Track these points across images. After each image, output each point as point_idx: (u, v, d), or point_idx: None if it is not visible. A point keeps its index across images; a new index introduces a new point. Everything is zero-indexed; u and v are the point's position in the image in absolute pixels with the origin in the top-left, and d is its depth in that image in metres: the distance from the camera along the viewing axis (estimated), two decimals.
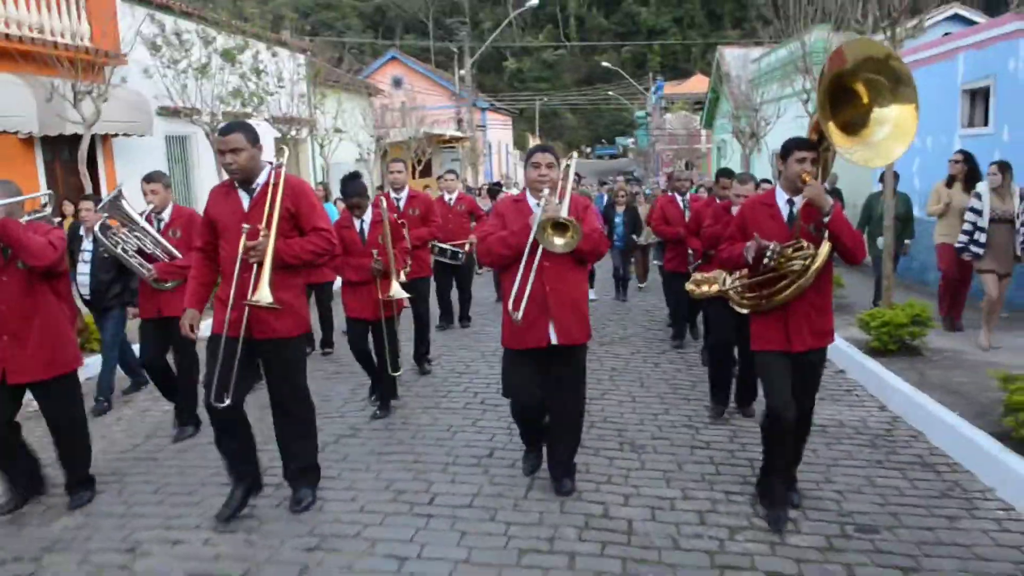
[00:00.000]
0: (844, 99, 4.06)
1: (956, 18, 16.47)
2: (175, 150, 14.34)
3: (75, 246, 6.59)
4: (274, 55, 13.47)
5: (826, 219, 4.02)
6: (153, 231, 5.85)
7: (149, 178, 5.94)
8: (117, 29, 11.84)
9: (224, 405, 4.17)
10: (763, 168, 15.85)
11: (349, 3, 79.26)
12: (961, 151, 8.30)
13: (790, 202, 4.22)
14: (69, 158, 11.58)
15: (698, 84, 48.82)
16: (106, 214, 5.75)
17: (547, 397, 4.57)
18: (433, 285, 8.30)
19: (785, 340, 4.15)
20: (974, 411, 5.36)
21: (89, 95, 9.49)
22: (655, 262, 11.07)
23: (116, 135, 12.16)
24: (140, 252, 5.79)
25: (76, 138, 11.04)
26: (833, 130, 3.98)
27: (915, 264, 10.79)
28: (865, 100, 4.07)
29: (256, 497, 4.54)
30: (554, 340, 4.41)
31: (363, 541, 4.13)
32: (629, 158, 69.29)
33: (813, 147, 4.14)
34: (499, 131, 49.11)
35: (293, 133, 14.63)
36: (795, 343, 4.13)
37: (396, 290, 6.13)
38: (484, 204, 12.60)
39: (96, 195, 8.20)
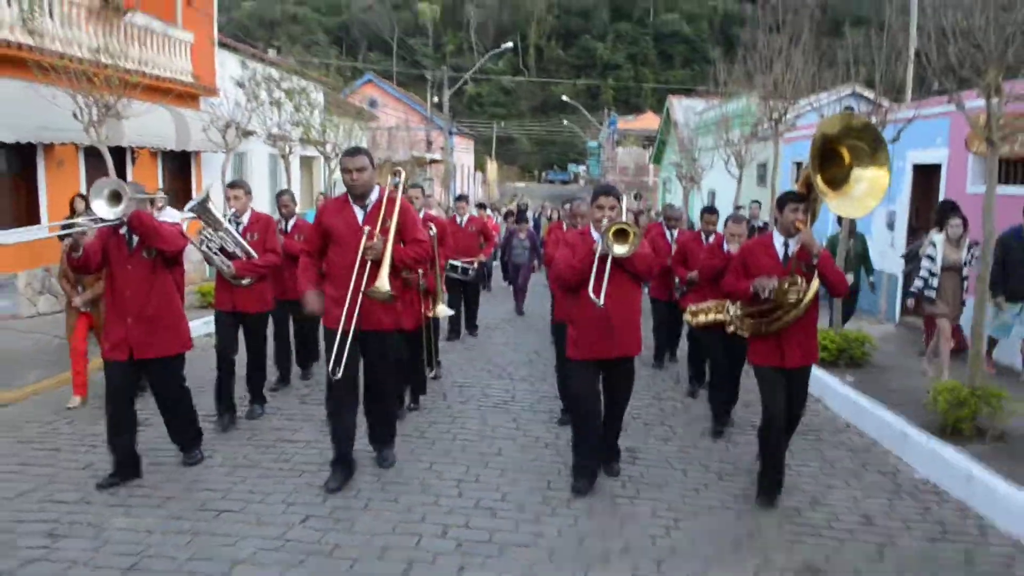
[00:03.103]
0: (830, 159, 4.84)
1: (856, 95, 20.70)
2: (237, 163, 17.78)
3: None
4: (324, 95, 17.07)
5: (815, 260, 4.79)
6: (235, 232, 6.17)
7: (233, 184, 6.43)
8: (214, 69, 15.43)
9: (337, 379, 4.81)
10: (699, 204, 19.84)
11: (315, 18, 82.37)
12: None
13: (785, 244, 4.93)
14: (173, 167, 14.99)
15: (649, 121, 53.26)
16: (193, 215, 5.99)
17: (603, 395, 5.18)
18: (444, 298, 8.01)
19: (780, 358, 4.87)
20: None
21: (236, 126, 13.01)
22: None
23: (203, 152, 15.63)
24: (222, 250, 6.15)
25: (184, 153, 14.60)
26: (820, 184, 4.74)
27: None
28: (847, 161, 4.81)
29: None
30: (614, 353, 4.99)
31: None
32: (580, 185, 73.07)
33: (804, 199, 4.93)
34: (463, 154, 52.79)
35: (319, 152, 18.19)
36: (787, 360, 4.87)
37: (442, 309, 6.81)
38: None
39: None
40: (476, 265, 9.85)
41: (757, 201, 13.86)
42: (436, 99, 44.72)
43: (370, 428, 5.32)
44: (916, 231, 11.52)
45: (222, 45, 16.05)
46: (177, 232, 5.02)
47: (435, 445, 5.89)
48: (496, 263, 16.64)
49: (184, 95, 14.26)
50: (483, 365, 8.78)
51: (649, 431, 6.45)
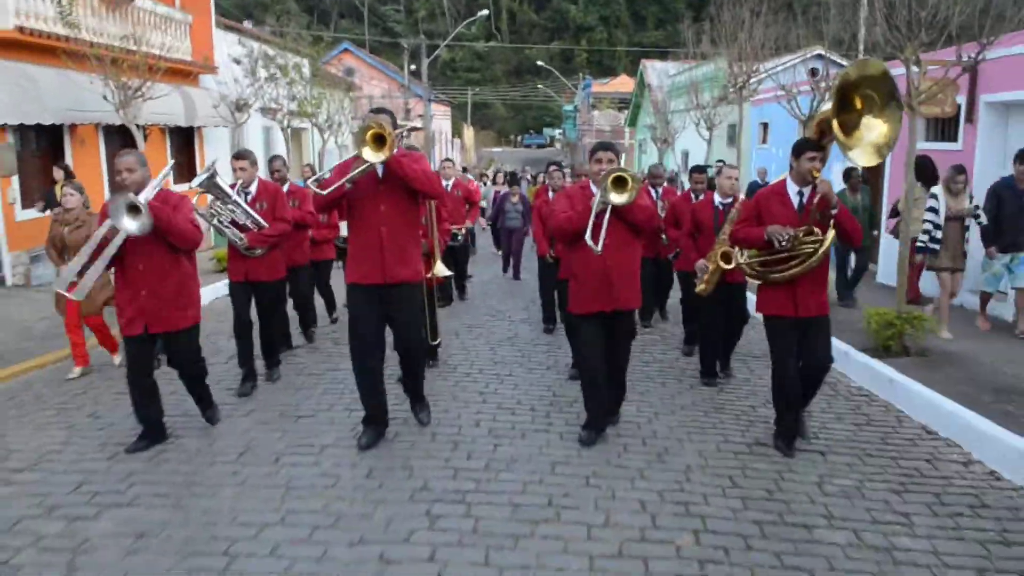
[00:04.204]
0: (845, 105, 4.90)
1: (821, 57, 21.74)
2: (234, 137, 18.71)
3: None
4: (314, 71, 17.99)
5: (834, 211, 4.76)
6: (244, 204, 6.18)
7: (239, 155, 6.39)
8: (212, 47, 16.31)
9: (360, 337, 5.02)
10: (672, 165, 21.00)
11: None
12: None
13: (800, 193, 4.93)
14: (179, 142, 15.95)
15: (624, 83, 54.10)
16: (202, 190, 6.03)
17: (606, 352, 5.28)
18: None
19: (793, 307, 4.94)
20: None
21: (248, 106, 13.98)
22: None
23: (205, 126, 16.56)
24: (233, 223, 6.17)
25: (188, 129, 15.54)
26: (836, 127, 4.81)
27: None
28: (859, 108, 4.91)
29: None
30: (614, 306, 5.10)
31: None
32: (556, 148, 73.80)
33: (820, 148, 4.95)
34: (440, 120, 53.51)
35: (311, 124, 19.15)
36: (801, 310, 4.93)
37: (440, 268, 6.84)
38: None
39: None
40: (464, 231, 10.11)
41: (721, 160, 15.02)
42: (413, 67, 45.28)
43: (403, 383, 5.59)
44: (868, 183, 12.69)
45: (219, 24, 16.90)
46: (191, 228, 4.96)
47: (456, 370, 7.12)
48: (478, 227, 17.55)
49: (187, 74, 15.17)
50: (485, 311, 10.00)
51: (632, 356, 7.65)
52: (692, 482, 4.72)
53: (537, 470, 4.83)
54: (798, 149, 4.91)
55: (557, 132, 78.31)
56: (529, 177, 23.05)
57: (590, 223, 4.81)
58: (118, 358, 7.16)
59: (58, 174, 10.88)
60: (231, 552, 3.83)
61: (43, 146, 12.04)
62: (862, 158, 5.01)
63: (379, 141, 4.60)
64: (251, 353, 6.51)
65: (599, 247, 4.75)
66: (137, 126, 11.19)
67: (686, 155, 24.55)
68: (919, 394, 6.12)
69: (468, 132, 66.17)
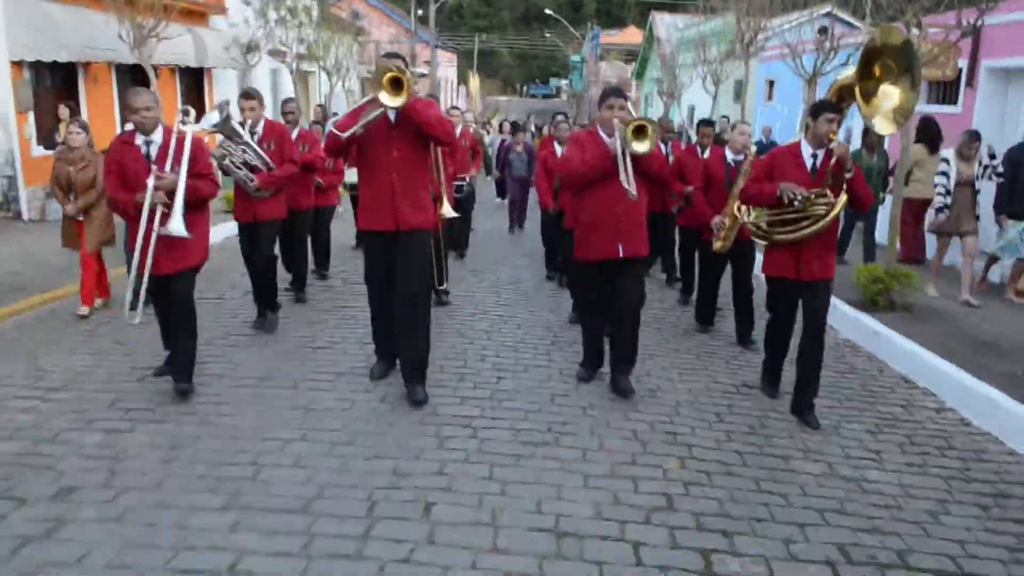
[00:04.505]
0: (864, 73, 5.02)
1: (829, 15, 21.58)
2: (241, 79, 18.79)
3: None
4: (322, 14, 18.03)
5: (848, 174, 4.76)
6: (255, 145, 6.17)
7: (247, 94, 6.43)
8: None
9: (381, 288, 5.18)
10: (678, 119, 21.08)
11: None
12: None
13: (814, 155, 4.88)
14: (189, 82, 16.08)
15: (632, 35, 53.66)
16: (215, 130, 6.02)
17: (612, 301, 5.31)
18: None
19: (796, 270, 4.93)
20: None
21: (257, 48, 14.11)
22: None
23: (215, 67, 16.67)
24: (244, 164, 6.15)
25: (197, 69, 15.67)
26: (859, 94, 4.95)
27: None
28: (878, 75, 5.00)
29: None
30: (621, 253, 5.13)
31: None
32: (563, 99, 73.12)
33: (839, 110, 4.91)
34: (446, 68, 53.11)
35: (320, 67, 19.23)
36: (804, 273, 4.91)
37: (447, 210, 6.90)
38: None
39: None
40: (469, 180, 9.98)
41: (726, 116, 15.21)
42: (420, 12, 44.82)
43: (401, 357, 5.28)
44: (870, 148, 12.85)
45: None
46: (208, 189, 4.99)
47: (463, 310, 7.49)
48: (480, 180, 17.54)
49: (199, 14, 15.26)
50: (491, 258, 10.38)
51: None
52: (681, 416, 5.09)
53: (537, 401, 5.21)
54: (816, 110, 4.86)
55: (563, 83, 77.51)
56: (533, 129, 23.09)
57: (620, 167, 4.79)
58: (86, 310, 6.97)
59: (63, 112, 11.07)
60: (258, 463, 4.20)
61: (57, 84, 12.21)
62: (880, 126, 5.14)
63: (396, 85, 4.52)
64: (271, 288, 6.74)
65: (633, 189, 4.74)
66: (136, 66, 11.34)
67: (692, 110, 24.59)
68: (900, 346, 6.46)
69: (474, 81, 65.57)
